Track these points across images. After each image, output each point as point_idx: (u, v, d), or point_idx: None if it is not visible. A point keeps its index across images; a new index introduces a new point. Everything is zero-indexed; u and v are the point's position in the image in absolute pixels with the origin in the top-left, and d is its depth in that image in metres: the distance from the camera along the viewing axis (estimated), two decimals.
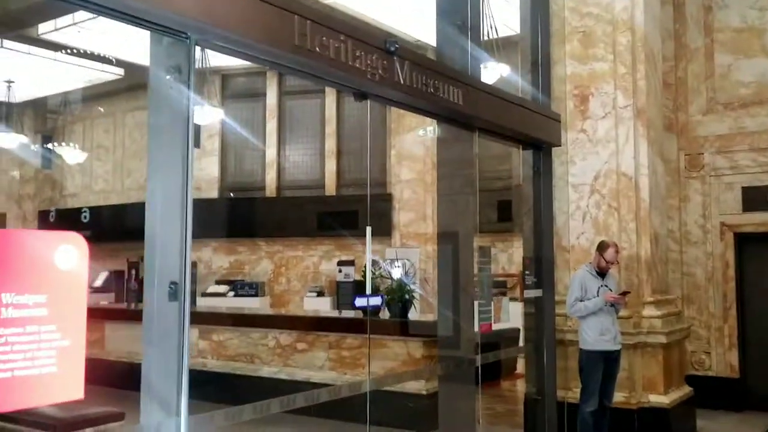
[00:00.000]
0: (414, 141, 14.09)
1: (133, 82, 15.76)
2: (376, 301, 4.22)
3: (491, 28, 10.98)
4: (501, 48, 9.28)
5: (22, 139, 16.66)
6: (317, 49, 3.89)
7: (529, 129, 6.12)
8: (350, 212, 12.64)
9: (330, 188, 15.21)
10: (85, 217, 17.62)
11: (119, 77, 15.70)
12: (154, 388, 3.49)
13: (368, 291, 4.46)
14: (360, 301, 4.17)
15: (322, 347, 8.14)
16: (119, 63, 14.69)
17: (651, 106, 7.21)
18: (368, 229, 4.36)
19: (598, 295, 6.13)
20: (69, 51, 13.92)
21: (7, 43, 13.61)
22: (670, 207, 8.67)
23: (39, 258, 2.87)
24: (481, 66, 9.99)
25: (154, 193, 3.57)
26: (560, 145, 6.77)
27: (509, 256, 13.07)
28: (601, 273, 6.27)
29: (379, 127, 14.55)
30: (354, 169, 15.05)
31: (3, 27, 12.69)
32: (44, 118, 18.55)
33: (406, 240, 14.34)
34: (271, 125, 15.66)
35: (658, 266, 7.26)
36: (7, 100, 16.01)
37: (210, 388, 8.61)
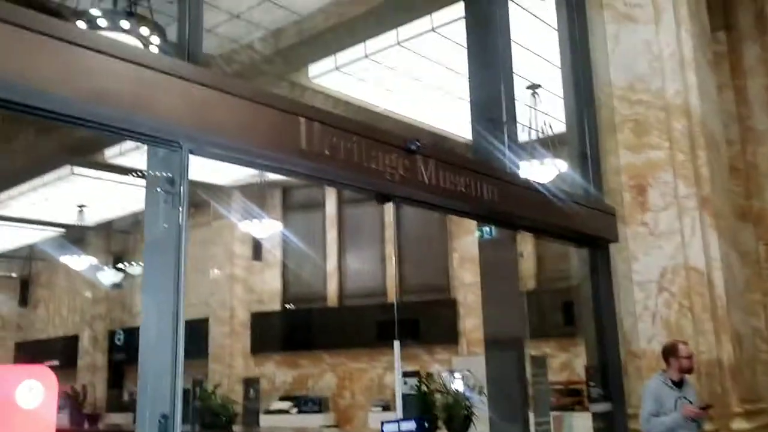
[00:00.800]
0: (475, 243, 13.65)
1: (195, 199, 16.11)
2: (409, 426, 3.72)
3: (545, 124, 10.76)
4: (556, 144, 8.94)
5: (92, 260, 17.13)
6: (327, 151, 3.64)
7: (579, 225, 5.66)
8: (411, 320, 12.16)
9: (392, 295, 14.81)
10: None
11: None
12: None
13: (399, 413, 3.97)
14: (389, 428, 3.66)
15: None
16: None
17: (717, 193, 6.63)
18: (396, 344, 3.92)
19: (675, 409, 5.39)
20: (135, 174, 14.39)
21: (77, 169, 14.21)
22: (753, 302, 7.85)
23: None
24: (534, 162, 9.71)
25: (148, 313, 3.28)
26: (618, 241, 6.24)
27: (582, 362, 12.17)
28: (678, 383, 5.55)
29: (438, 230, 14.24)
30: (415, 275, 14.65)
31: (74, 154, 13.22)
32: (114, 239, 19.12)
33: (474, 347, 13.66)
34: (332, 235, 15.58)
35: (745, 371, 6.44)
36: (79, 224, 16.58)
37: None
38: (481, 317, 13.93)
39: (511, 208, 4.84)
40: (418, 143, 4.14)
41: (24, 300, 21.21)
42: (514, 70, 10.31)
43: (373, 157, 3.89)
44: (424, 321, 13.29)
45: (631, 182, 6.71)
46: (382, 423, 3.60)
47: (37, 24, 2.60)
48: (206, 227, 16.79)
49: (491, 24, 5.46)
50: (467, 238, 13.86)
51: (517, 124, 5.55)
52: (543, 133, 10.91)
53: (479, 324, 13.71)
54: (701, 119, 6.61)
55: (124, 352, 18.18)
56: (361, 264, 15.46)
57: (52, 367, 2.34)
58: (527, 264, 13.78)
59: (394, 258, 14.91)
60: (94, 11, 6.71)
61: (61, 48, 2.65)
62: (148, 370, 3.19)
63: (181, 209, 3.20)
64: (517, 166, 5.29)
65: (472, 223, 13.23)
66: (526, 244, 13.66)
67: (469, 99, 5.55)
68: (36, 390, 2.63)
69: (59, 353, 19.28)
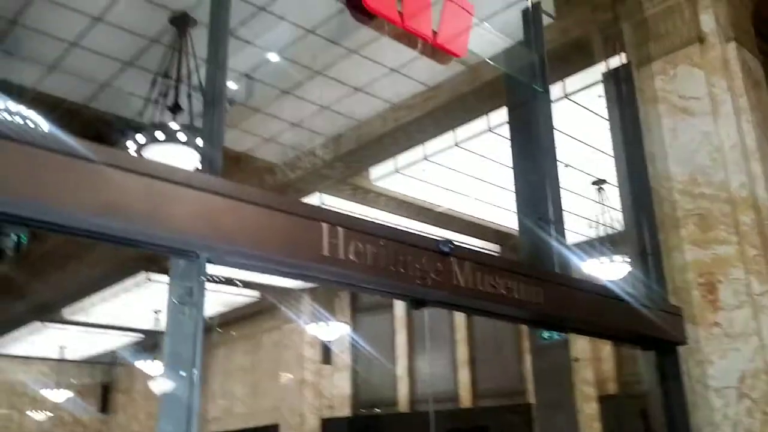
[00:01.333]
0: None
1: (266, 304, 16.26)
2: None
3: (611, 219, 10.42)
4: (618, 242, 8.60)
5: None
6: (352, 257, 3.55)
7: (641, 326, 5.28)
8: (480, 428, 11.58)
9: (465, 400, 14.24)
10: None
11: (256, 299, 16.28)
12: None
13: None
14: None
15: None
16: (251, 285, 15.28)
17: None
18: None
19: None
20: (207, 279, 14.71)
21: (153, 276, 14.64)
22: None
23: None
24: (594, 260, 9.34)
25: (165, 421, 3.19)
26: (686, 343, 5.78)
27: None
28: None
29: (511, 330, 13.76)
30: (487, 378, 14.10)
31: (150, 261, 13.67)
32: None
33: None
34: (401, 337, 15.32)
35: None
36: (156, 329, 16.93)
37: None
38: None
39: (559, 309, 4.58)
40: (451, 245, 4.01)
41: (104, 406, 21.57)
42: (578, 167, 10.21)
43: (402, 261, 3.77)
44: (496, 428, 12.66)
45: (700, 279, 6.29)
46: None
47: (49, 142, 2.68)
48: (277, 331, 16.85)
49: (534, 125, 5.39)
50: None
51: (564, 223, 5.33)
52: (611, 229, 10.57)
53: None
54: None
55: None
56: (432, 367, 15.04)
57: None
58: (606, 366, 13.07)
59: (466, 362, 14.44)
60: (173, 125, 7.08)
61: (72, 164, 2.72)
62: None
63: (197, 319, 3.14)
64: (567, 266, 5.04)
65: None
66: (604, 345, 13.01)
67: (516, 200, 5.41)
68: None
69: None
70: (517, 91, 5.75)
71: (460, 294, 4.02)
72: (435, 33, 4.77)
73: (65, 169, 2.71)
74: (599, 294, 5.01)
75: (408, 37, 4.84)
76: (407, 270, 3.80)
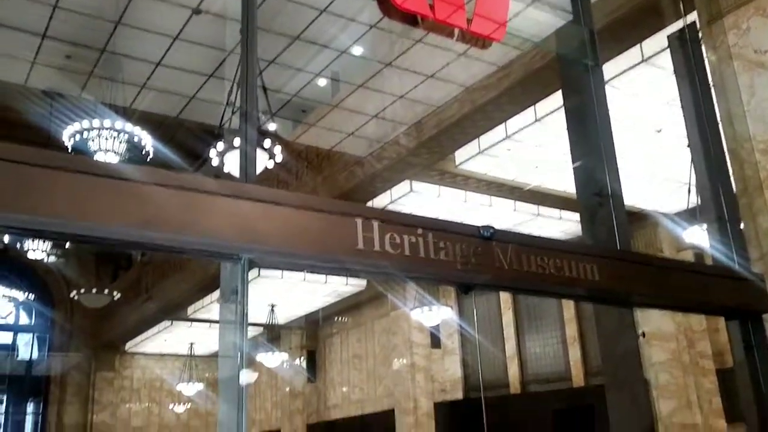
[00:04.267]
0: (662, 317, 12.66)
1: (374, 292, 16.67)
2: None
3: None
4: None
5: (284, 356, 18.17)
6: (388, 248, 3.70)
7: (717, 296, 5.10)
8: (593, 405, 11.39)
9: (577, 379, 14.02)
10: None
11: (362, 288, 16.74)
12: None
13: None
14: None
15: None
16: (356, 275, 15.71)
17: None
18: None
19: None
20: (313, 270, 15.30)
21: (264, 271, 15.37)
22: None
23: None
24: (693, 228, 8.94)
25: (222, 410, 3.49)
26: None
27: None
28: None
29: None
30: (599, 356, 13.79)
31: None
32: (305, 334, 20.19)
33: None
34: (507, 318, 15.27)
35: None
36: (271, 322, 17.78)
37: None
38: (677, 399, 12.74)
39: (618, 285, 4.52)
40: (492, 230, 4.07)
41: None
42: (671, 131, 9.78)
43: (441, 249, 3.88)
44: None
45: None
46: None
47: (89, 167, 3.02)
48: (385, 318, 17.25)
49: (588, 100, 5.29)
50: (653, 313, 12.91)
51: (622, 196, 5.21)
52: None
53: (676, 407, 12.57)
54: None
55: None
56: (541, 347, 14.91)
57: None
58: (723, 338, 12.45)
59: (576, 339, 14.21)
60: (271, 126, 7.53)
61: (117, 185, 3.04)
62: None
63: (242, 314, 3.41)
64: (627, 241, 4.94)
65: None
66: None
67: (574, 176, 5.35)
68: None
69: None
70: (570, 67, 5.67)
71: (505, 276, 4.07)
72: (470, 21, 4.80)
73: (111, 190, 3.03)
74: (666, 266, 4.89)
75: (443, 29, 4.90)
76: (448, 257, 3.90)
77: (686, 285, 4.93)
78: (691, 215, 10.22)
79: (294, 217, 3.51)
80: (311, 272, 3.79)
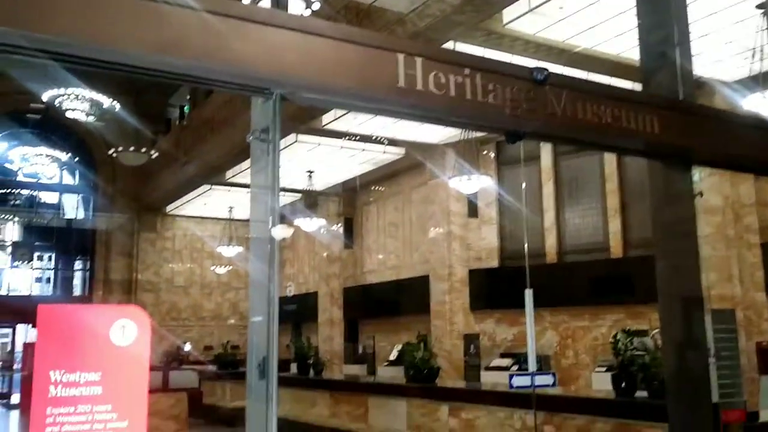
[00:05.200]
0: (709, 189, 12.24)
1: (412, 160, 16.44)
2: (546, 380, 3.35)
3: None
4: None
5: (322, 222, 18.32)
6: (431, 88, 3.40)
7: None
8: (631, 275, 11.29)
9: (616, 250, 13.88)
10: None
11: (401, 156, 16.50)
12: None
13: (531, 367, 3.62)
14: (519, 381, 3.32)
15: (570, 431, 7.13)
16: (396, 143, 15.45)
17: None
18: (527, 293, 3.58)
19: None
20: (351, 137, 15.03)
21: (301, 137, 15.18)
22: None
23: (93, 334, 2.77)
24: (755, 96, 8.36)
25: (254, 266, 3.36)
26: None
27: None
28: None
29: None
30: (640, 228, 13.55)
31: (295, 121, 14.06)
32: (343, 201, 20.25)
33: (714, 304, 12.34)
34: (548, 188, 14.97)
35: None
36: (309, 188, 17.80)
37: None
38: (718, 272, 12.56)
39: (679, 139, 4.17)
40: (546, 72, 3.72)
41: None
42: None
43: (490, 92, 3.56)
44: (643, 277, 12.29)
45: None
46: (511, 375, 3.32)
47: None
48: (423, 187, 17.09)
49: None
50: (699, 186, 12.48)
51: (689, 47, 4.74)
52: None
53: (717, 279, 12.41)
54: None
55: (355, 308, 19.33)
56: (581, 218, 14.69)
57: None
58: None
59: (617, 211, 13.93)
60: None
61: (130, 2, 2.74)
62: (254, 323, 3.29)
63: (273, 156, 3.19)
64: (691, 93, 4.53)
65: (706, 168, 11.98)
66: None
67: (638, 25, 4.87)
68: (129, 328, 2.80)
69: (304, 309, 21.07)
70: None
71: (557, 124, 3.76)
72: None
73: (125, 7, 2.74)
74: (732, 120, 4.50)
75: None
76: (496, 100, 3.59)
77: (752, 142, 4.56)
78: (752, 82, 9.60)
79: (330, 50, 3.20)
80: (348, 110, 3.50)
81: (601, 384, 12.54)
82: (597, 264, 13.83)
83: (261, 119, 3.28)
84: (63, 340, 2.66)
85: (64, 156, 19.00)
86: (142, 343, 2.83)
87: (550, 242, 14.80)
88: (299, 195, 19.13)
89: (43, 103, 16.10)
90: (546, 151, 14.95)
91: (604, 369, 13.12)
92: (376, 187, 19.28)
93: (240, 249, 20.32)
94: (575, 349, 14.23)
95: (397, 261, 18.65)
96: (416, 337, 14.70)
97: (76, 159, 21.27)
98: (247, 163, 16.58)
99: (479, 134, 14.26)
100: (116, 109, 15.65)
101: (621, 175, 13.95)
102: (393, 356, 16.15)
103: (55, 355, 2.66)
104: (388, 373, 14.95)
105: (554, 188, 14.89)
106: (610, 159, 14.08)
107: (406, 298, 17.44)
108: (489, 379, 13.66)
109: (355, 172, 17.72)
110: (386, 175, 18.20)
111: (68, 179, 22.51)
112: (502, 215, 15.86)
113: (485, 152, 15.79)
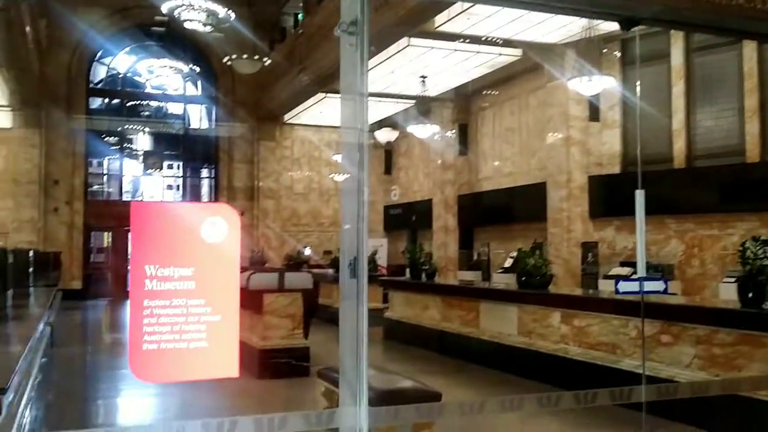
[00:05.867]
0: None
1: (529, 62, 15.71)
2: (656, 286, 3.11)
3: None
4: None
5: (436, 128, 18.07)
6: None
7: None
8: (761, 180, 10.43)
9: (752, 154, 12.84)
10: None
11: (517, 58, 15.80)
12: (346, 372, 3.21)
13: (640, 272, 3.37)
14: (626, 286, 3.12)
15: (689, 342, 6.82)
16: (511, 44, 14.76)
17: None
18: (638, 193, 3.30)
19: None
20: (464, 39, 14.48)
21: (413, 40, 14.80)
22: None
23: (185, 230, 2.81)
24: None
25: (345, 167, 3.27)
26: None
27: None
28: None
29: None
30: None
31: (407, 25, 13.69)
32: (457, 107, 19.81)
33: None
34: (678, 88, 13.91)
35: None
36: (422, 94, 17.50)
37: (570, 377, 8.01)
38: None
39: None
40: None
41: (388, 168, 23.57)
42: None
43: None
44: None
45: None
46: (617, 280, 3.12)
47: None
48: (541, 90, 16.38)
49: None
50: None
51: None
52: None
53: None
54: None
55: (470, 215, 19.20)
56: (714, 120, 13.62)
57: None
58: None
59: (755, 112, 12.79)
60: None
61: None
62: (345, 225, 3.24)
63: (362, 50, 3.03)
64: None
65: None
66: None
67: None
68: (219, 226, 2.83)
69: (419, 216, 21.21)
70: None
71: (679, 7, 3.34)
72: None
73: None
74: None
75: None
76: None
77: None
78: None
79: None
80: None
81: (730, 295, 11.86)
82: (730, 169, 12.88)
83: (349, 10, 3.10)
84: (156, 236, 2.71)
85: (186, 68, 19.61)
86: (232, 240, 2.84)
87: (679, 146, 13.88)
88: (413, 101, 18.87)
89: (163, 15, 16.51)
90: (677, 47, 13.82)
91: (733, 280, 12.45)
92: (492, 92, 18.69)
93: None
94: (702, 258, 13.53)
95: (513, 167, 18.23)
96: (532, 244, 14.51)
97: (198, 70, 21.93)
98: None
99: (601, 32, 13.35)
100: (231, 19, 15.78)
101: (762, 72, 12.71)
102: (508, 263, 16.06)
103: (149, 251, 2.71)
104: (503, 280, 14.90)
105: (685, 88, 13.81)
106: (749, 54, 12.83)
107: (522, 205, 17.12)
108: (607, 288, 13.30)
109: (470, 77, 17.19)
110: (502, 78, 17.56)
111: (191, 90, 23.34)
112: (626, 118, 14.98)
113: (608, 51, 14.81)
